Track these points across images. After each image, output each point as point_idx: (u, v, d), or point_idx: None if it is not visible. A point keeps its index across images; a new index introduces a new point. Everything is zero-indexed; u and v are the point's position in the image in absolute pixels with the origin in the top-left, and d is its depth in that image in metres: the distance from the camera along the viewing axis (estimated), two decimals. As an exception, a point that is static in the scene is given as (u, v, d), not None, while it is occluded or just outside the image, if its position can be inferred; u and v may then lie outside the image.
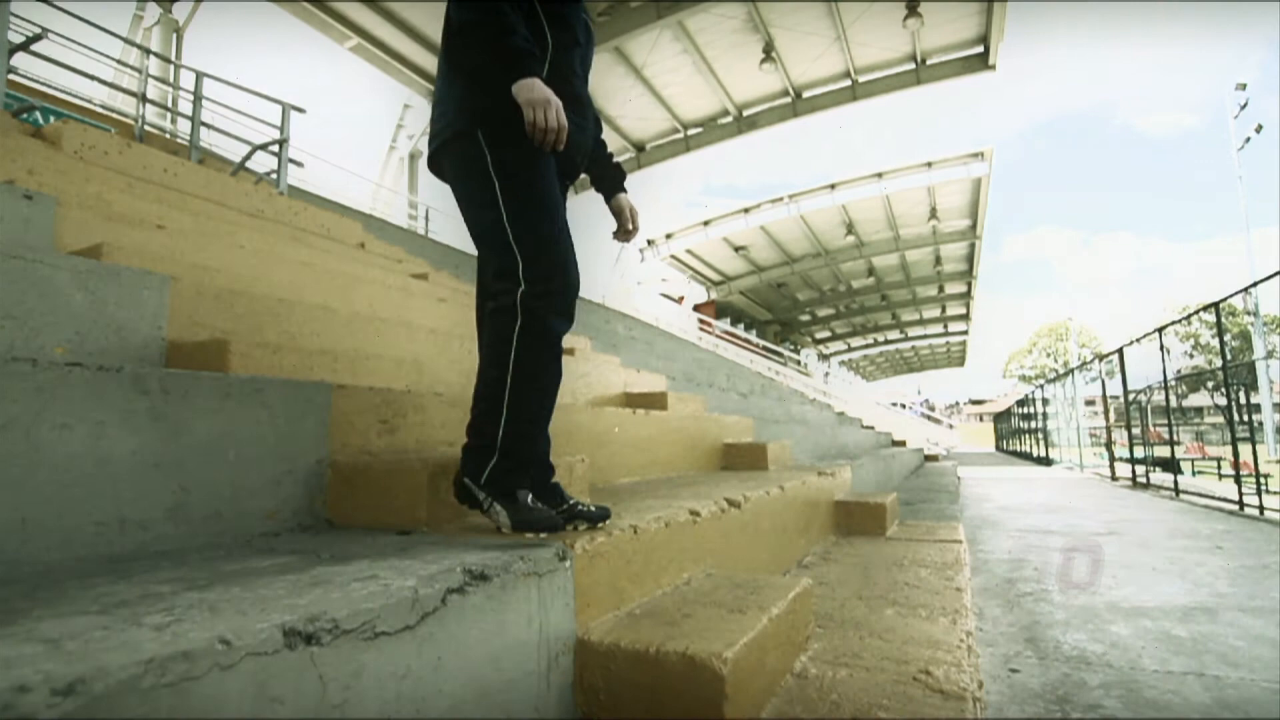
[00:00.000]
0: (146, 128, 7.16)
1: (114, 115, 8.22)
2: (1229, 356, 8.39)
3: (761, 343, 27.02)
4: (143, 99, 6.90)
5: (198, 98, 6.82)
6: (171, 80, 9.48)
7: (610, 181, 1.94)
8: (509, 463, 1.48)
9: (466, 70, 1.53)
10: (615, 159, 2.00)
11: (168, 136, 8.75)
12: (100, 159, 4.26)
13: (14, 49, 5.53)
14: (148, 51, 8.11)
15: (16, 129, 4.53)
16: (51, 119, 6.05)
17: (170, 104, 8.75)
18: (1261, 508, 6.64)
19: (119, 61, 8.09)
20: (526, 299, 1.45)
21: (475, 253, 1.62)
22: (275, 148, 6.97)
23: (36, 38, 5.59)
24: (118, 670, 0.65)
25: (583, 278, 1.57)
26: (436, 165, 1.65)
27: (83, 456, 1.24)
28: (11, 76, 5.82)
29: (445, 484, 1.66)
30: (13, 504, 1.14)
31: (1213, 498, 7.92)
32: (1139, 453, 11.16)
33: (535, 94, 1.41)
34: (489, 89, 1.49)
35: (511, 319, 1.45)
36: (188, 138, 6.87)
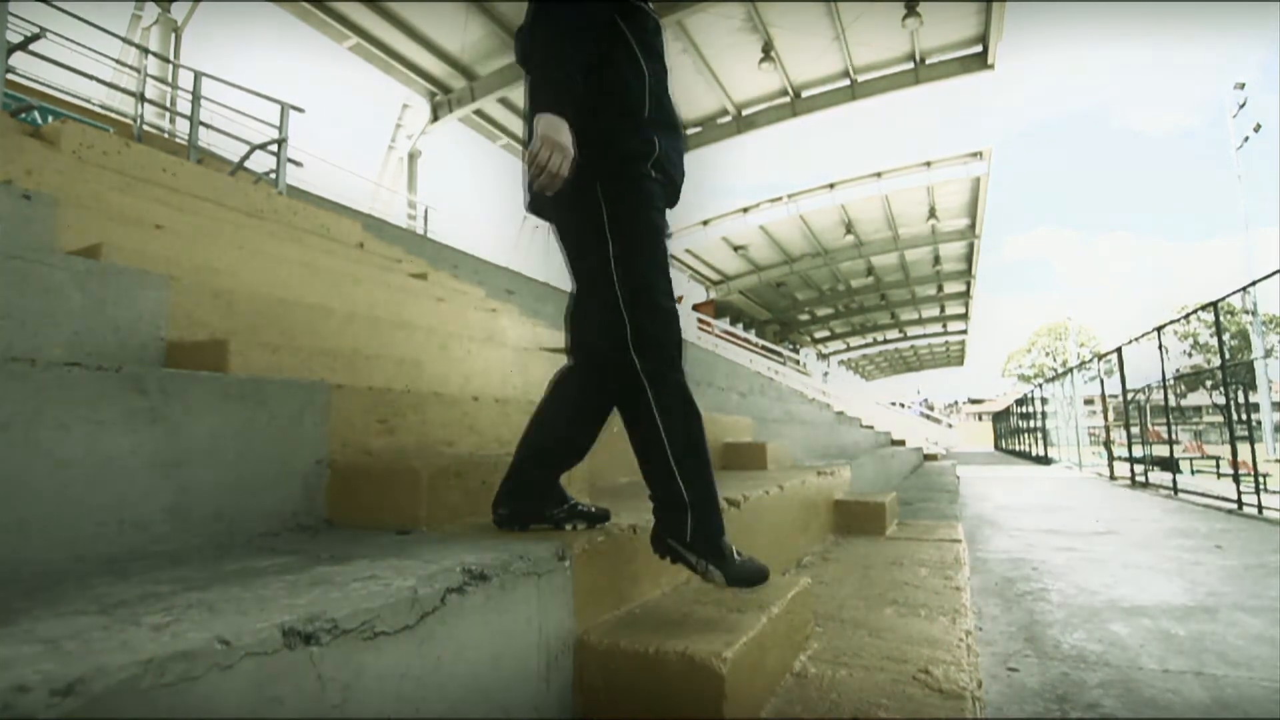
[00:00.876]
0: (145, 127, 7.15)
1: (113, 115, 8.21)
2: (1227, 355, 8.39)
3: (760, 342, 26.99)
4: (141, 99, 6.89)
5: (196, 97, 6.81)
6: (170, 80, 9.46)
7: None
8: (702, 512, 1.49)
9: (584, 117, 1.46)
10: None
11: (166, 136, 8.74)
12: (99, 159, 4.25)
13: (12, 49, 5.52)
14: (146, 51, 8.10)
15: (15, 129, 4.53)
16: (50, 119, 6.05)
17: (169, 104, 8.74)
18: (1260, 507, 6.64)
19: (117, 61, 8.08)
20: (646, 371, 1.47)
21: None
22: (274, 147, 6.96)
23: (35, 37, 5.58)
24: (117, 670, 0.65)
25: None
26: (537, 205, 1.60)
27: (81, 457, 1.23)
28: (10, 76, 5.81)
29: (445, 484, 1.66)
30: (11, 504, 1.13)
31: (1211, 497, 7.92)
32: (1138, 452, 11.17)
33: (560, 137, 1.37)
34: (611, 138, 1.47)
35: (640, 393, 1.47)
36: (186, 137, 6.86)
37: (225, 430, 1.48)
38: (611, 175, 1.48)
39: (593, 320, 1.55)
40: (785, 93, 15.51)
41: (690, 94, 15.61)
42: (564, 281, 1.63)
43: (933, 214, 22.59)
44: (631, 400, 1.49)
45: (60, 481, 1.20)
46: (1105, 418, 13.35)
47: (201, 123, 6.84)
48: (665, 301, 1.51)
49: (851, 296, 31.09)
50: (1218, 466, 11.67)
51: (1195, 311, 9.55)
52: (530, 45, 1.45)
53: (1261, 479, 6.98)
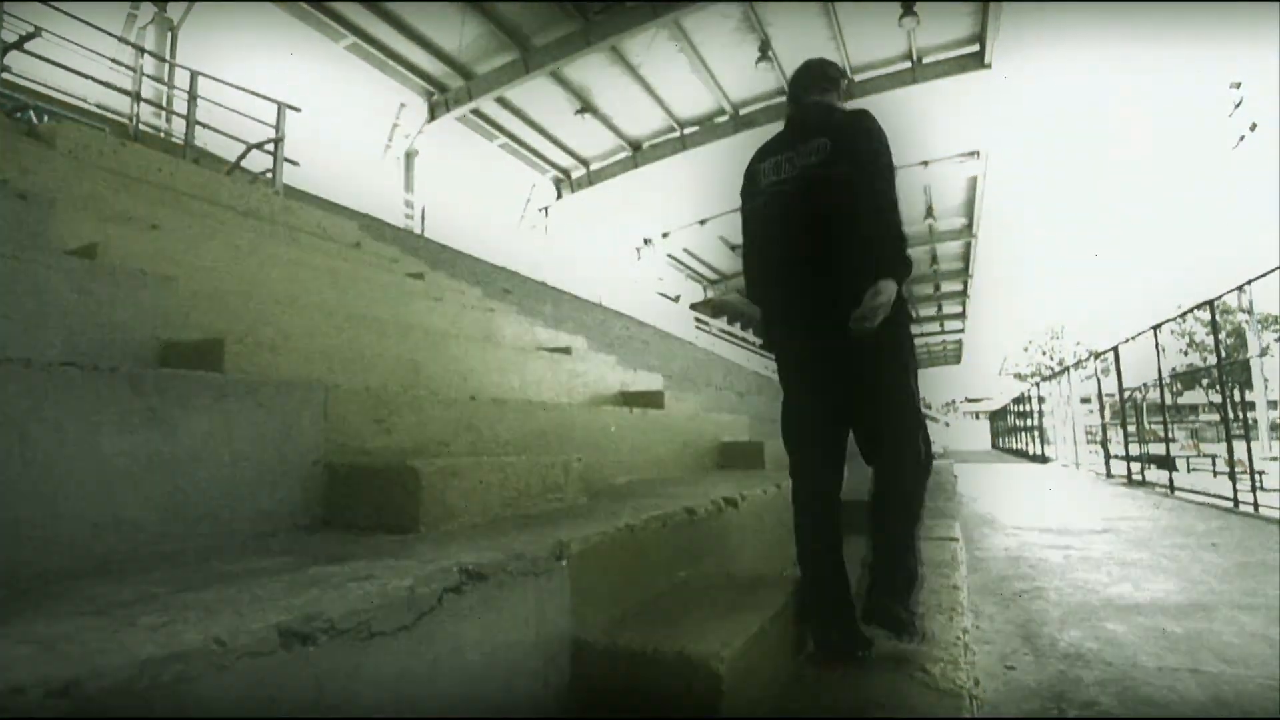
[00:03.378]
0: (141, 127, 7.12)
1: (109, 114, 8.18)
2: (1224, 354, 8.40)
3: (759, 341, 26.99)
4: (137, 98, 6.87)
5: (193, 96, 6.79)
6: (166, 79, 9.43)
7: None
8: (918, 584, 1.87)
9: (899, 267, 1.83)
10: None
11: (163, 136, 8.71)
12: (95, 158, 4.23)
13: (8, 47, 5.50)
14: (142, 50, 8.07)
15: (11, 128, 4.51)
16: (46, 118, 6.02)
17: (165, 103, 8.71)
18: (1256, 505, 6.66)
19: (114, 60, 8.05)
20: (926, 468, 1.95)
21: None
22: (270, 146, 6.94)
23: (30, 36, 5.56)
24: (112, 671, 0.65)
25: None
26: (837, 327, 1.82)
27: (78, 457, 1.23)
28: (5, 75, 5.79)
29: (442, 484, 1.65)
30: (7, 505, 1.13)
31: (1208, 495, 7.94)
32: (1134, 450, 11.19)
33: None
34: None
35: (923, 486, 1.95)
36: (183, 137, 6.84)
37: (222, 431, 1.48)
38: (907, 316, 1.91)
39: (884, 420, 1.92)
40: (783, 92, 15.45)
41: (687, 93, 15.61)
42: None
43: (930, 213, 22.61)
44: (917, 484, 1.93)
45: (56, 482, 1.20)
46: (1102, 416, 13.37)
47: (198, 122, 6.81)
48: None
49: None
50: (1214, 465, 11.70)
51: (1191, 310, 9.56)
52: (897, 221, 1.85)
53: (1258, 477, 6.99)
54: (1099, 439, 14.00)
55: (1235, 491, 7.08)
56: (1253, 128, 23.47)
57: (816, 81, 2.11)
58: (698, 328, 22.95)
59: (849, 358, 1.84)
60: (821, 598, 1.84)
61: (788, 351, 2.00)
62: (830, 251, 1.86)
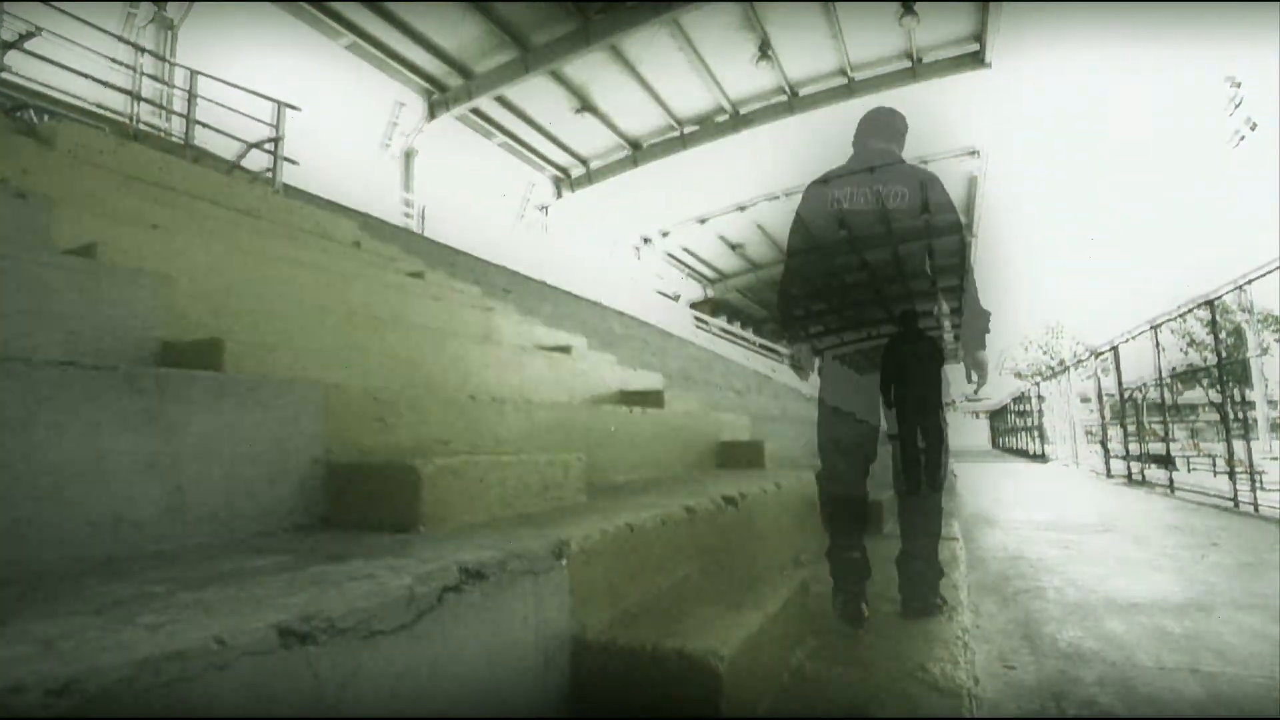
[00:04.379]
0: (141, 126, 7.12)
1: (108, 114, 8.17)
2: (1224, 353, 8.40)
3: (759, 340, 27.00)
4: (137, 97, 6.87)
5: (192, 96, 6.79)
6: (166, 78, 9.43)
7: None
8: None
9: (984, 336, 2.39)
10: None
11: (162, 135, 8.70)
12: (94, 158, 4.23)
13: (8, 47, 5.50)
14: (142, 49, 8.07)
15: (10, 128, 4.51)
16: (45, 117, 6.02)
17: (165, 102, 8.70)
18: (1256, 504, 6.66)
19: (113, 60, 8.05)
20: (944, 465, 2.23)
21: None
22: (270, 146, 6.94)
23: (29, 35, 5.56)
24: (112, 670, 0.65)
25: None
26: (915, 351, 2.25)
27: (77, 456, 1.23)
28: (5, 75, 5.79)
29: (442, 483, 1.65)
30: (7, 504, 1.13)
31: (1207, 494, 7.94)
32: (1134, 449, 11.19)
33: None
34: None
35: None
36: (182, 136, 6.84)
37: (221, 430, 1.47)
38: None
39: (925, 443, 2.19)
40: (782, 90, 15.50)
41: (687, 91, 15.60)
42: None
43: (926, 210, 22.58)
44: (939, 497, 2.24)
45: (56, 481, 1.20)
46: (1102, 415, 13.38)
47: (197, 121, 6.81)
48: None
49: (846, 293, 31.04)
50: (1213, 464, 11.70)
51: (1191, 310, 9.55)
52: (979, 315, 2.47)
53: (1257, 476, 6.99)
54: (1099, 438, 13.99)
55: (1235, 491, 7.08)
56: (1253, 127, 23.48)
57: (882, 131, 2.35)
58: (697, 326, 22.92)
59: (903, 385, 2.16)
60: (845, 578, 2.13)
61: (840, 371, 2.28)
62: (895, 289, 2.12)
